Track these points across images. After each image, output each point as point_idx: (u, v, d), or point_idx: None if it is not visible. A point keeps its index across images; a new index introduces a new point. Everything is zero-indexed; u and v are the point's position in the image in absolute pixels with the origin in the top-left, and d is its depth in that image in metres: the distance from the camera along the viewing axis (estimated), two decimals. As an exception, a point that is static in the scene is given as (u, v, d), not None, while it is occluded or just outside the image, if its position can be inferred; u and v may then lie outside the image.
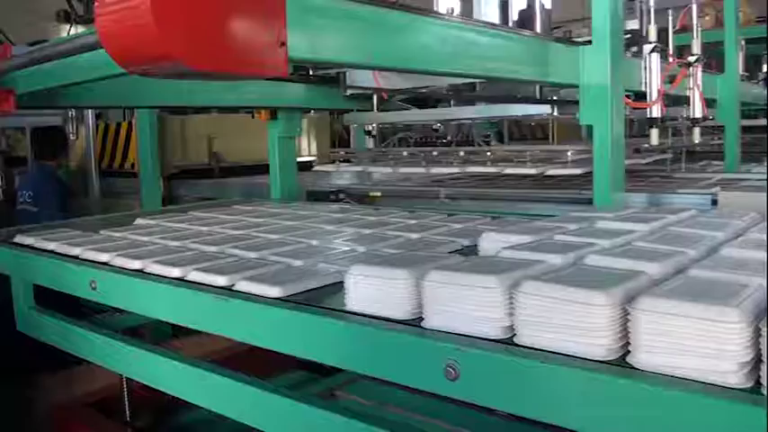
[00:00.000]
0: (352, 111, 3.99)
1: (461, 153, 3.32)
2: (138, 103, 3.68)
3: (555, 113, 2.96)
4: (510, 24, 2.80)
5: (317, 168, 3.89)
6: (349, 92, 3.64)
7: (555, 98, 3.15)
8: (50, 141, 5.28)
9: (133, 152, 5.26)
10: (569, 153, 2.86)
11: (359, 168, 3.64)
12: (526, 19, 2.85)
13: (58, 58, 2.03)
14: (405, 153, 3.62)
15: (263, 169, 4.29)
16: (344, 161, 3.94)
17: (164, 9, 1.39)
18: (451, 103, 3.55)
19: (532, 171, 2.88)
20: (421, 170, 3.37)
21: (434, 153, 3.47)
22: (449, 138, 4.00)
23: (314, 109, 3.98)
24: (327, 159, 4.02)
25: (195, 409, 2.29)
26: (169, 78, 1.88)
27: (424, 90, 3.26)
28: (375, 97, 3.66)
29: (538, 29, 2.84)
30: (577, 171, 2.79)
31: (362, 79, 3.11)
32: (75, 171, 5.78)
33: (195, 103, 3.89)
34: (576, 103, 2.67)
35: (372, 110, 3.75)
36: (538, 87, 3.14)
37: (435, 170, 3.28)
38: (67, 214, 4.69)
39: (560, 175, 2.84)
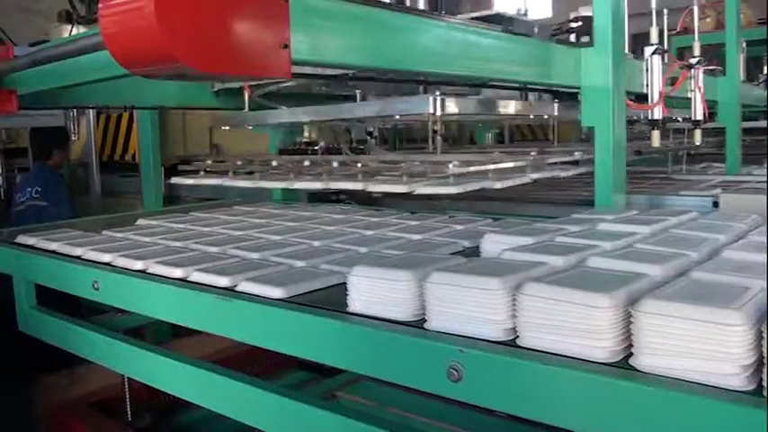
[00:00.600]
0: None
1: (335, 164, 2.74)
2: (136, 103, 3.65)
3: (438, 112, 2.39)
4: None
5: (174, 180, 3.34)
6: (216, 87, 3.38)
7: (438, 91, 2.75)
8: (48, 139, 5.25)
9: (134, 143, 5.26)
10: (452, 165, 2.34)
11: (217, 181, 3.06)
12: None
13: (61, 59, 2.04)
14: (274, 163, 3.01)
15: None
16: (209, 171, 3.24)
17: (167, 10, 1.39)
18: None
19: (403, 189, 2.35)
20: (283, 184, 2.84)
21: (306, 163, 2.88)
22: (321, 144, 3.17)
23: (180, 109, 3.63)
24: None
25: (196, 409, 2.30)
26: (172, 80, 1.88)
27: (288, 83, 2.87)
28: (246, 95, 3.11)
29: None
30: (454, 190, 2.28)
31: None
32: (75, 165, 5.78)
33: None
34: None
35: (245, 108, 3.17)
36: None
37: (299, 185, 2.77)
38: (72, 213, 4.68)
39: (436, 194, 2.38)
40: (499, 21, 2.59)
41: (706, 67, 3.31)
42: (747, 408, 1.00)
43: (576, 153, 2.98)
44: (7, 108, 2.50)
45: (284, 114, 3.05)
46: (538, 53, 2.47)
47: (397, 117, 2.61)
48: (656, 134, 2.92)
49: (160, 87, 3.21)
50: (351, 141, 2.99)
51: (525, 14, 2.85)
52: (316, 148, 3.03)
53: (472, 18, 2.56)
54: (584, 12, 2.93)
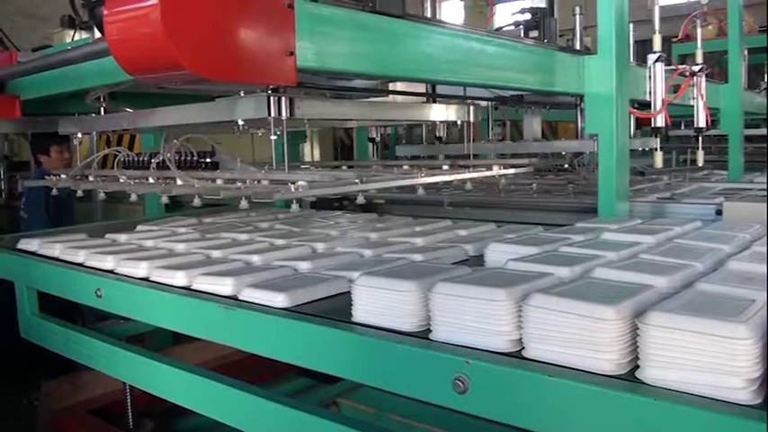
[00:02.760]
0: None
1: (179, 181, 2.36)
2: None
3: (284, 115, 1.95)
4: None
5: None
6: None
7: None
8: (43, 134, 5.13)
9: (137, 150, 5.24)
10: (292, 187, 1.94)
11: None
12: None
13: (65, 65, 2.04)
14: (122, 179, 2.58)
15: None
16: None
17: (173, 17, 1.40)
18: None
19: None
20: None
21: (150, 180, 2.48)
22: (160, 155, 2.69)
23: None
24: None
25: (198, 417, 2.29)
26: (177, 86, 1.88)
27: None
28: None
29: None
30: None
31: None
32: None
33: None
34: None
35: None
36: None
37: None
38: (50, 220, 4.57)
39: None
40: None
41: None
42: (753, 422, 0.99)
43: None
44: (10, 114, 2.49)
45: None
46: (542, 61, 2.47)
47: (241, 122, 2.11)
48: (658, 155, 2.91)
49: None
50: (191, 154, 2.53)
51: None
52: (155, 160, 2.62)
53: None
54: (537, 3, 2.94)
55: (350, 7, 1.79)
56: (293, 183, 2.02)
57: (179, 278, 1.96)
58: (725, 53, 4.31)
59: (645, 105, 2.92)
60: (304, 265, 2.01)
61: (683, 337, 1.11)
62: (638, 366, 1.17)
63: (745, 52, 4.68)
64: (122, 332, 2.71)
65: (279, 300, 1.67)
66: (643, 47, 3.09)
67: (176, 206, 4.93)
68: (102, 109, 2.72)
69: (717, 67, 5.19)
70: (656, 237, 1.96)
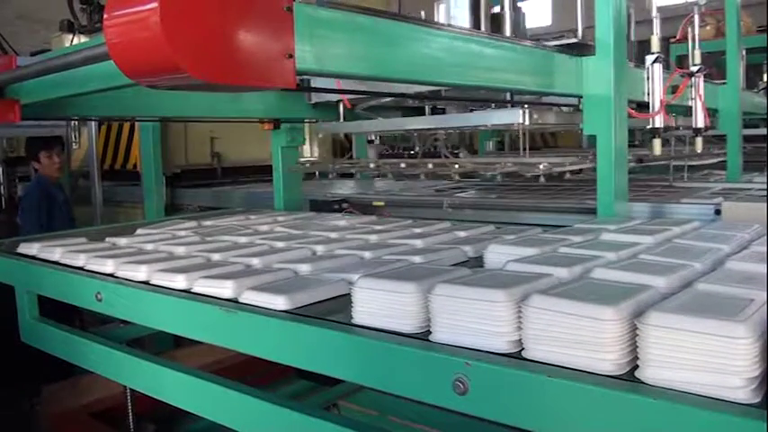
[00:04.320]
0: (318, 121, 3.88)
1: (430, 165, 3.11)
2: (143, 113, 3.65)
3: (526, 122, 2.69)
4: (482, 28, 2.72)
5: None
6: (314, 100, 3.58)
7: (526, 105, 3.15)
8: (36, 141, 5.11)
9: (135, 152, 5.25)
10: (542, 165, 2.75)
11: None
12: (498, 21, 2.79)
13: (66, 69, 2.04)
14: (371, 165, 3.49)
15: (265, 170, 4.35)
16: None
17: (173, 21, 1.40)
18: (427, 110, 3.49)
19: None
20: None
21: (402, 165, 3.30)
22: (417, 149, 3.78)
23: (280, 121, 3.79)
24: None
25: (199, 420, 2.29)
26: (177, 90, 1.88)
27: (386, 98, 3.21)
28: (341, 106, 3.50)
29: (508, 31, 2.78)
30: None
31: (324, 83, 3.00)
32: (77, 174, 5.76)
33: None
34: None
35: (339, 119, 3.59)
36: (509, 93, 3.16)
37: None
38: (43, 227, 4.56)
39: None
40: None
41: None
42: (752, 421, 1.00)
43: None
44: (10, 118, 2.49)
45: (399, 123, 3.46)
46: (541, 62, 2.47)
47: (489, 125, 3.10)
48: (657, 142, 2.93)
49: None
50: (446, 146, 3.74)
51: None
52: (412, 152, 3.75)
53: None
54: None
55: (348, 10, 1.79)
56: (539, 164, 2.75)
57: (179, 281, 1.95)
58: (723, 53, 4.32)
59: (644, 106, 2.93)
60: (304, 268, 2.01)
61: (683, 336, 1.12)
62: (637, 366, 1.17)
63: (743, 52, 4.70)
64: (123, 336, 2.70)
65: (279, 302, 1.67)
66: (642, 47, 3.09)
67: (174, 208, 4.95)
68: (342, 116, 3.54)
69: (715, 68, 5.20)
70: (655, 237, 1.96)
